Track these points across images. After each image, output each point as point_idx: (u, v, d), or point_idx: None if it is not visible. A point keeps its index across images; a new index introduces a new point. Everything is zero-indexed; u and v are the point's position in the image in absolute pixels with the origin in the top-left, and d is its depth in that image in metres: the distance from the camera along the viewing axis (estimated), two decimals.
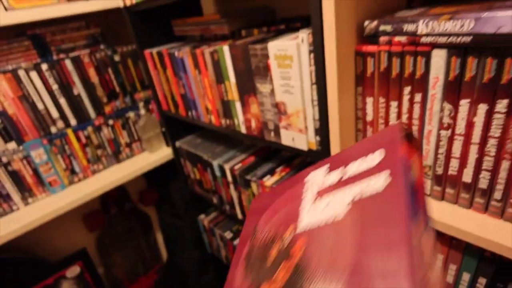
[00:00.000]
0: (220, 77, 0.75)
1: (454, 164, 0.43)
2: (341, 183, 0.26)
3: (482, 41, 0.34)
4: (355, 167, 0.26)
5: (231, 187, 0.97)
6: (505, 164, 0.39)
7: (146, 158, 1.23)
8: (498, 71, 0.35)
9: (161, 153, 1.24)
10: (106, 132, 1.15)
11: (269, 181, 0.82)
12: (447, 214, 0.45)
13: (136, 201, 1.48)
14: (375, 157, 0.25)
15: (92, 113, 1.12)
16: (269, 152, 0.98)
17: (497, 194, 0.41)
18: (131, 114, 1.21)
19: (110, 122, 1.16)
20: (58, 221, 1.28)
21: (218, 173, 0.99)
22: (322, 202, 0.26)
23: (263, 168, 0.89)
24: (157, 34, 1.04)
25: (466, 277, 0.50)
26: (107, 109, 1.15)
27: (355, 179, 0.25)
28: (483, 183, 0.42)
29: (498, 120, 0.37)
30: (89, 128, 1.11)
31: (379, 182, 0.23)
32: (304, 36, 0.52)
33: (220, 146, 1.08)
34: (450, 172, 0.44)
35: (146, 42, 1.01)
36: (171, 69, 0.92)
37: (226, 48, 0.68)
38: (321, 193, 0.27)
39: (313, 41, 0.48)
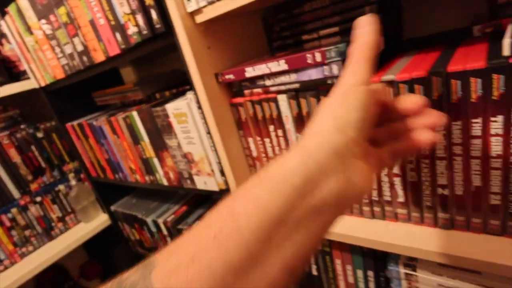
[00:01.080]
0: (135, 138, 0.81)
1: None
2: None
3: (306, 86, 0.46)
4: None
5: (168, 240, 0.99)
6: None
7: (83, 229, 1.20)
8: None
9: (98, 221, 1.22)
10: (33, 210, 1.12)
11: None
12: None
13: (77, 277, 1.39)
14: None
15: (16, 193, 1.09)
16: (200, 199, 1.03)
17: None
18: (61, 187, 1.20)
19: (38, 199, 1.13)
20: None
21: (153, 228, 1.01)
22: None
23: (194, 215, 0.93)
24: (78, 107, 1.09)
25: (360, 273, 0.58)
26: (33, 186, 1.13)
27: None
28: None
29: None
30: (14, 210, 1.07)
31: None
32: (191, 96, 0.62)
33: (155, 201, 1.11)
34: None
35: (67, 116, 1.05)
36: (92, 138, 0.96)
37: (135, 113, 0.76)
38: None
39: (196, 100, 0.58)
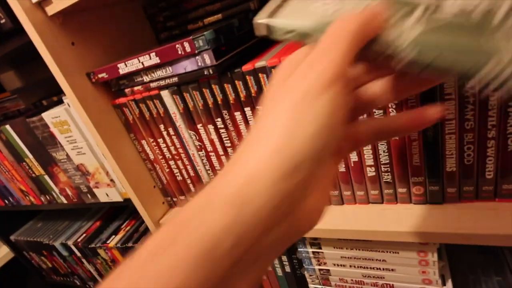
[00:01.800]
0: (17, 156, 0.70)
1: None
2: None
3: (184, 79, 0.43)
4: None
5: (84, 261, 0.89)
6: None
7: None
8: (204, 99, 0.44)
9: None
10: None
11: (113, 241, 0.79)
12: None
13: None
14: None
15: None
16: (116, 210, 0.94)
17: None
18: None
19: None
20: None
21: (64, 252, 0.90)
22: None
23: (108, 230, 0.85)
24: None
25: (275, 260, 0.59)
26: None
27: None
28: None
29: (224, 134, 0.46)
30: None
31: None
32: (68, 101, 0.54)
33: (64, 222, 0.98)
34: None
35: None
36: None
37: (8, 127, 0.65)
38: None
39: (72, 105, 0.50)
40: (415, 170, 0.38)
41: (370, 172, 0.41)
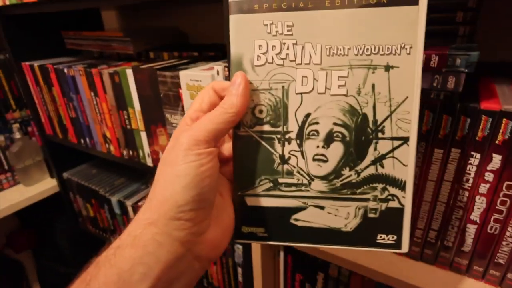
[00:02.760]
0: (122, 102, 0.65)
1: None
2: None
3: None
4: None
5: None
6: None
7: (21, 193, 0.98)
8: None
9: (42, 186, 1.01)
10: None
11: None
12: (359, 253, 0.46)
13: (2, 246, 1.16)
14: None
15: None
16: None
17: None
18: (0, 138, 0.96)
19: None
20: None
21: (117, 210, 0.85)
22: None
23: None
24: (42, 44, 0.86)
25: None
26: None
27: None
28: None
29: None
30: None
31: None
32: (219, 68, 0.48)
33: (121, 178, 0.94)
34: None
35: (24, 52, 0.82)
36: (58, 88, 0.76)
37: (129, 72, 0.59)
38: None
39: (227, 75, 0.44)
40: None
41: None
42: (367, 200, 0.26)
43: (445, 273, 0.42)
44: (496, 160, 0.34)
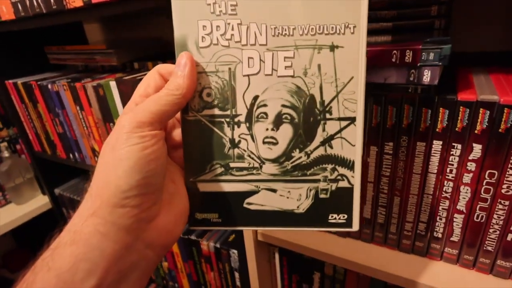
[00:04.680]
0: (108, 115, 0.64)
1: None
2: None
3: (373, 89, 0.37)
4: None
5: None
6: (396, 200, 0.42)
7: (13, 212, 0.97)
8: (398, 118, 0.37)
9: (35, 204, 1.01)
10: None
11: None
12: (352, 250, 0.46)
13: None
14: None
15: None
16: None
17: (393, 228, 0.44)
18: None
19: None
20: None
21: None
22: None
23: None
24: (24, 61, 0.86)
25: None
26: None
27: None
28: (380, 218, 0.44)
29: (387, 160, 0.40)
30: None
31: None
32: None
33: None
34: None
35: (7, 70, 0.82)
36: (43, 104, 0.76)
37: (113, 84, 0.59)
38: None
39: None
40: None
41: None
42: (317, 181, 0.26)
43: (436, 263, 0.42)
44: (477, 149, 0.34)
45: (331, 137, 0.25)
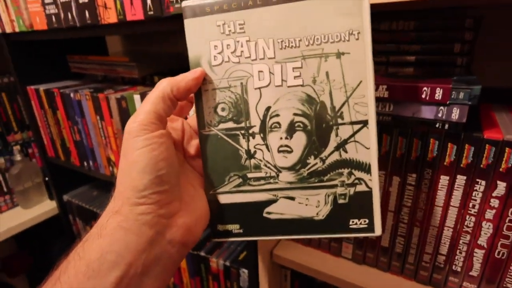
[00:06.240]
0: None
1: None
2: None
3: (399, 121, 0.38)
4: None
5: None
6: (416, 231, 0.42)
7: (18, 216, 0.97)
8: (408, 149, 0.39)
9: (41, 208, 1.00)
10: None
11: None
12: (368, 278, 0.46)
13: None
14: None
15: None
16: None
17: (411, 258, 0.44)
18: (0, 160, 0.96)
19: None
20: None
21: None
22: None
23: None
24: (46, 68, 0.88)
25: None
26: None
27: None
28: (398, 248, 0.44)
29: (409, 191, 0.41)
30: None
31: None
32: None
33: None
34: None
35: (29, 76, 0.84)
36: (63, 112, 0.77)
37: (137, 97, 0.61)
38: None
39: None
40: None
41: None
42: (335, 186, 0.26)
43: None
44: (501, 187, 0.35)
45: (345, 142, 0.26)
